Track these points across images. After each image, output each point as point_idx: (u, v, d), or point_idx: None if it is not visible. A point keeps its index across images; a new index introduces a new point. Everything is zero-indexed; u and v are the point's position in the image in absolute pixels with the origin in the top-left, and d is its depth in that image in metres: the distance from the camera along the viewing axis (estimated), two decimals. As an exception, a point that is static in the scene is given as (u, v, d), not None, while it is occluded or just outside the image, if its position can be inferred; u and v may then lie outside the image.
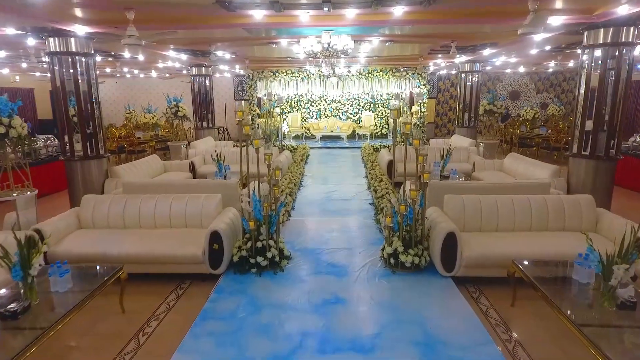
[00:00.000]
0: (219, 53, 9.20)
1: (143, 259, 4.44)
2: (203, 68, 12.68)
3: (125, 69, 14.55)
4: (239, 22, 5.86)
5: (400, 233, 4.72)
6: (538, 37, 7.29)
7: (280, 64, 12.43)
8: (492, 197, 5.04)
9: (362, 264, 4.88)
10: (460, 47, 8.89)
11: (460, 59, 11.62)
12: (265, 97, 14.58)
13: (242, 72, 15.41)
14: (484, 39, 8.23)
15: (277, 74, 15.14)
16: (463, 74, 12.38)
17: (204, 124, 12.98)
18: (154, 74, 16.72)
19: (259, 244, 4.64)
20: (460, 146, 11.10)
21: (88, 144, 6.75)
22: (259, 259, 4.56)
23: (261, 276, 4.57)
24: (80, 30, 6.05)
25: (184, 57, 9.84)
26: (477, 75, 12.26)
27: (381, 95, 17.65)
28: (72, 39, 6.37)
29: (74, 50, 6.43)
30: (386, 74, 14.83)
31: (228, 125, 18.99)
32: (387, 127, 17.99)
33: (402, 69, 14.55)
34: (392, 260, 4.65)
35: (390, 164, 9.09)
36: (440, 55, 11.40)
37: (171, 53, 9.28)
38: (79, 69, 6.50)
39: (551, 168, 7.07)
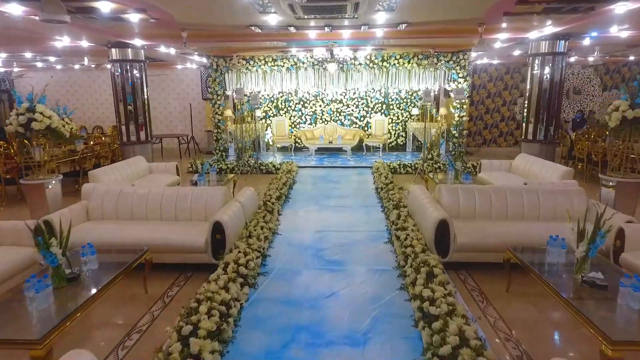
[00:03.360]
0: (104, 5, 4.68)
1: None
2: (129, 50, 8.15)
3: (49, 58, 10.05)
4: None
5: None
6: None
7: (241, 40, 7.88)
8: None
9: None
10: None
11: (544, 31, 7.05)
12: (235, 95, 10.05)
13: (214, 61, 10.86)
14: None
15: (252, 62, 10.60)
16: (537, 59, 7.82)
17: (133, 137, 8.46)
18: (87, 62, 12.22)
19: None
20: (542, 180, 6.57)
21: None
22: None
23: None
24: None
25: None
26: (561, 61, 7.69)
27: (398, 93, 13.07)
28: None
29: None
30: (408, 62, 10.27)
31: (196, 133, 14.50)
32: (404, 135, 13.45)
33: (432, 54, 9.96)
34: None
35: (443, 228, 4.52)
36: (504, 25, 6.84)
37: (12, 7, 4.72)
38: None
39: None
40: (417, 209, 5.46)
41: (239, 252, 4.45)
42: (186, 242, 4.51)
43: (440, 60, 10.05)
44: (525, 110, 8.10)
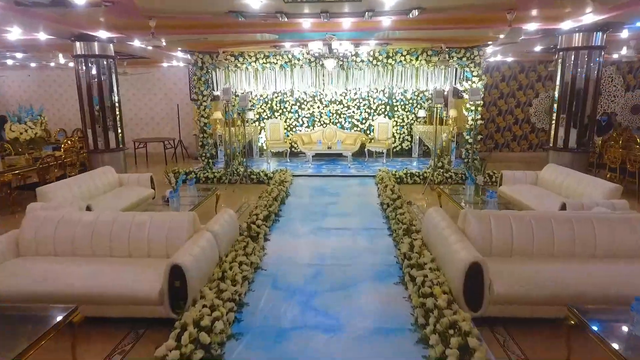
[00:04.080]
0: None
1: None
2: (95, 44, 7.06)
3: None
4: None
5: None
6: None
7: (223, 32, 6.73)
8: None
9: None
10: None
11: (581, 19, 5.96)
12: (221, 95, 8.95)
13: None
14: None
15: (241, 59, 9.49)
16: (571, 54, 6.73)
17: (102, 144, 7.37)
18: (62, 60, 11.12)
19: None
20: (582, 198, 5.49)
21: None
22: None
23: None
24: None
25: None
26: (598, 56, 6.59)
27: (404, 93, 11.99)
28: None
29: None
30: (416, 59, 9.16)
31: (184, 136, 13.40)
32: (409, 139, 12.35)
33: (443, 50, 8.85)
34: None
35: (475, 271, 3.41)
36: (535, 13, 5.74)
37: None
38: None
39: None
40: (435, 240, 4.35)
41: (205, 305, 3.35)
42: (136, 292, 3.41)
43: (452, 57, 8.94)
44: (555, 114, 7.00)
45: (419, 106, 12.14)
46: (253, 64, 9.50)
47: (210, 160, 9.82)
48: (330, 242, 5.40)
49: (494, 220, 3.98)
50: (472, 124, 9.14)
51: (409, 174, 9.15)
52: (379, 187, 8.28)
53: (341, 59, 7.98)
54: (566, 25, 6.26)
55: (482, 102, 8.80)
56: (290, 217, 6.54)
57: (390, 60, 9.24)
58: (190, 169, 9.60)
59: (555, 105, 7.00)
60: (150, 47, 8.12)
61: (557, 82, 6.95)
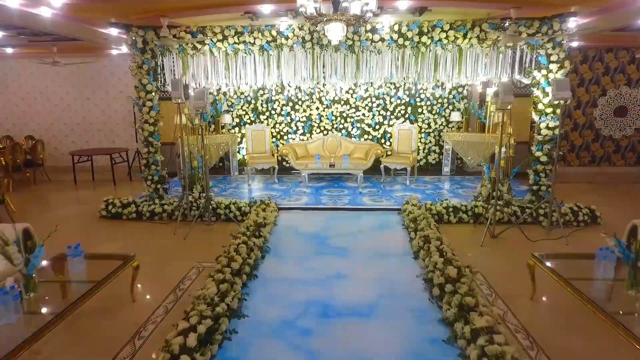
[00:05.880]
0: None
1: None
2: None
3: None
4: None
5: None
6: None
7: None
8: None
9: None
10: None
11: None
12: (171, 92, 5.81)
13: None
14: None
15: (201, 36, 6.37)
16: None
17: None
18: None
19: None
20: None
21: None
22: None
23: None
24: None
25: None
26: None
27: (433, 90, 8.95)
28: None
29: None
30: (464, 36, 6.05)
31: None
32: (437, 150, 9.31)
33: (511, 21, 5.70)
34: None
35: None
36: None
37: None
38: None
39: None
40: None
41: None
42: None
43: (523, 32, 5.84)
44: None
45: (451, 107, 9.09)
46: (219, 44, 6.39)
47: (159, 186, 6.75)
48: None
49: None
50: (547, 134, 6.06)
51: (450, 209, 6.08)
52: (410, 233, 5.24)
53: (355, 25, 4.73)
54: None
55: (561, 99, 5.67)
56: (259, 322, 3.43)
57: (424, 39, 6.14)
58: (130, 199, 6.55)
59: None
60: (49, 15, 5.06)
61: None
